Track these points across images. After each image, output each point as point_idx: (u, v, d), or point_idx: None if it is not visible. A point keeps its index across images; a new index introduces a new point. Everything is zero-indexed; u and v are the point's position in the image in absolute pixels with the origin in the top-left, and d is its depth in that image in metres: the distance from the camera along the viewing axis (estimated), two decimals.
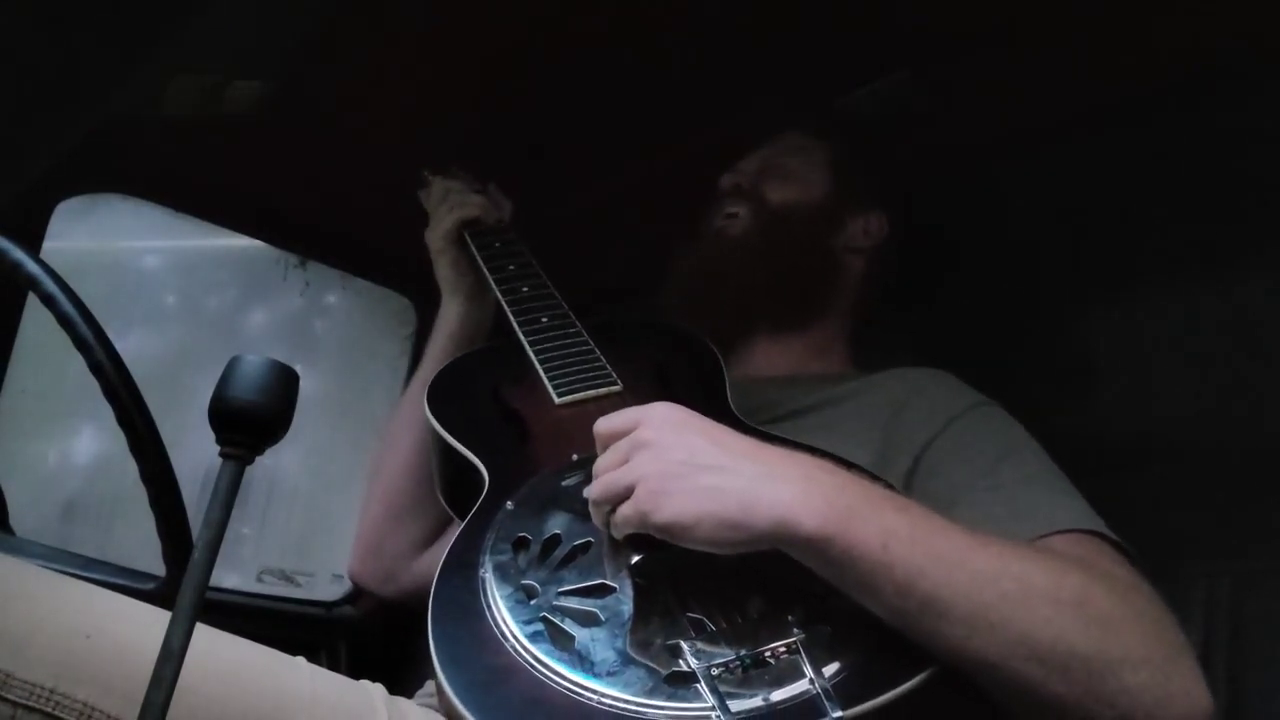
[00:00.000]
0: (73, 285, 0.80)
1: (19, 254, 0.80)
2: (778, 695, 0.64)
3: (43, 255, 0.95)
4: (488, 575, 0.75)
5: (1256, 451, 1.04)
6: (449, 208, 1.24)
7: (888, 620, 0.68)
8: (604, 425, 0.78)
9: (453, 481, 0.99)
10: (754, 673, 0.66)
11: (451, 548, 0.80)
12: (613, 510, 0.73)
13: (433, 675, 0.69)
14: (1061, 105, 1.25)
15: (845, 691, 0.64)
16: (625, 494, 0.72)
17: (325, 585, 1.55)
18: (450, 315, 1.25)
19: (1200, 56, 1.14)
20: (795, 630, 0.68)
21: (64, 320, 0.78)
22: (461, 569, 0.77)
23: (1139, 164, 1.21)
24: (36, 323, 1.24)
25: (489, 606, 0.72)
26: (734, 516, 0.68)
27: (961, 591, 0.67)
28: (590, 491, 0.75)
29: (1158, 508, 0.99)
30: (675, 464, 0.71)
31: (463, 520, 0.85)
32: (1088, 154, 1.26)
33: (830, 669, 0.66)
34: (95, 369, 0.78)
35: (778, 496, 0.68)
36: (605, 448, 0.77)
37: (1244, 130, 1.13)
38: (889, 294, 1.27)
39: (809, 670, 0.65)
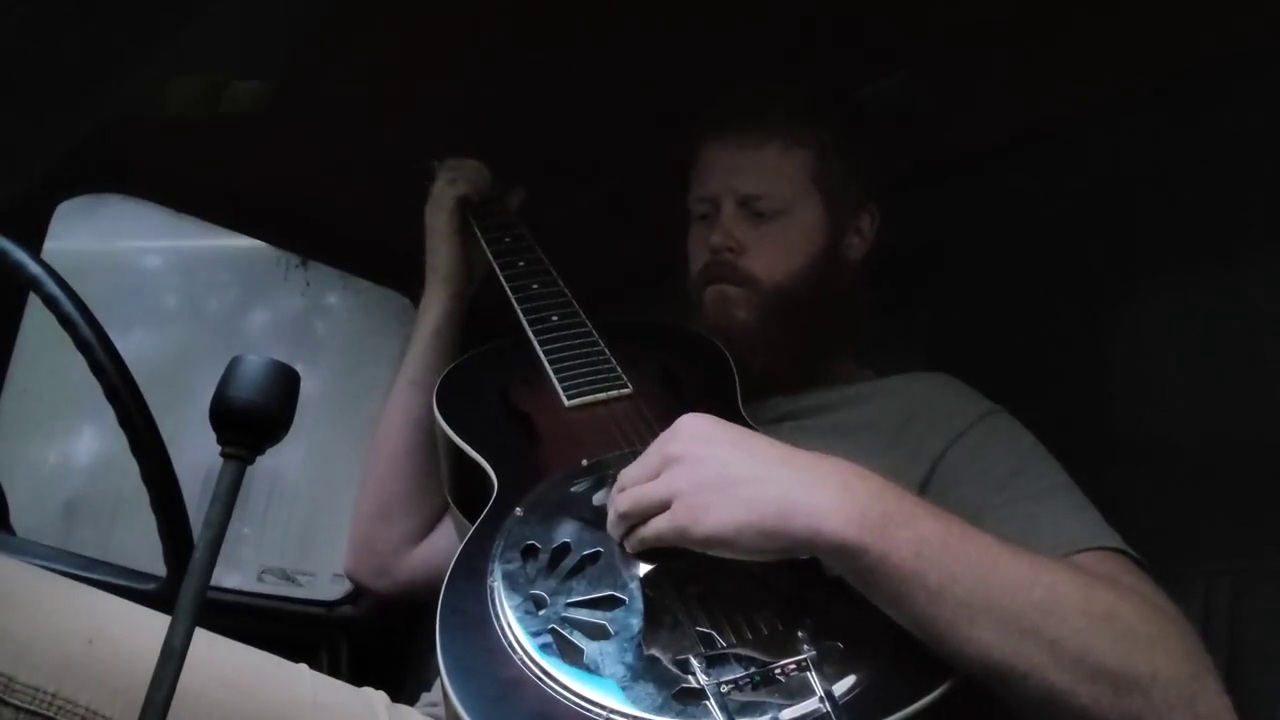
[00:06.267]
0: (74, 285, 0.80)
1: (20, 255, 0.80)
2: (787, 713, 0.64)
3: (44, 255, 0.95)
4: (496, 584, 0.74)
5: (1257, 451, 1.04)
6: (450, 179, 1.22)
7: (916, 630, 0.68)
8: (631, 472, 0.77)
9: (461, 482, 0.98)
10: (764, 690, 0.65)
11: (460, 553, 0.79)
12: (638, 524, 0.73)
13: (440, 684, 0.69)
14: (1064, 104, 1.25)
15: (856, 710, 0.64)
16: (657, 509, 0.71)
17: (326, 585, 1.56)
18: (436, 308, 1.22)
19: (1203, 54, 1.14)
20: (806, 647, 0.67)
21: (65, 321, 0.78)
22: (470, 576, 0.76)
23: (1142, 163, 1.21)
24: (38, 323, 1.24)
25: (497, 616, 0.72)
26: (772, 525, 0.68)
27: (993, 598, 0.67)
28: (619, 505, 0.74)
29: (1157, 507, 0.99)
30: (710, 476, 0.70)
31: (471, 522, 0.84)
32: (1090, 154, 1.26)
33: (841, 687, 0.65)
34: (96, 369, 0.78)
35: (814, 504, 0.68)
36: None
37: (1250, 128, 1.13)
38: (897, 298, 1.26)
39: (819, 688, 0.64)
